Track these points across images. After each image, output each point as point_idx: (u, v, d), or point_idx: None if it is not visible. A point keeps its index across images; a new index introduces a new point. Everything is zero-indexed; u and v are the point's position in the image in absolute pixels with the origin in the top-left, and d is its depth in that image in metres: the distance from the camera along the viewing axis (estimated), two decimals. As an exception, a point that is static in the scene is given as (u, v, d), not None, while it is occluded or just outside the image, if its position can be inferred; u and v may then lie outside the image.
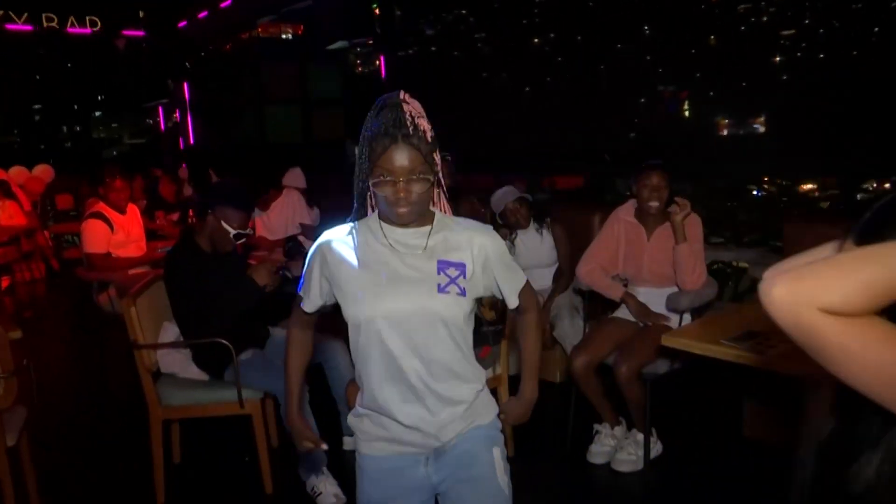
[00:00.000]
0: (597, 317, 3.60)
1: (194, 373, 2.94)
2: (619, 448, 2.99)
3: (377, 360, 1.55)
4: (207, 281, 2.81)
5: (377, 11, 6.19)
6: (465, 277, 1.55)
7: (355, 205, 1.62)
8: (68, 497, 3.08)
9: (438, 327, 1.54)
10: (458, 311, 1.55)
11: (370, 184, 1.49)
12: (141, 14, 9.45)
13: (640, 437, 2.96)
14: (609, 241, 3.11)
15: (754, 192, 5.18)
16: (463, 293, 1.55)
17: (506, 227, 3.66)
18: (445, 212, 1.63)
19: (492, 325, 2.74)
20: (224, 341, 2.70)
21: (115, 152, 15.30)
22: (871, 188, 4.27)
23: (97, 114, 15.35)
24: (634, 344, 2.89)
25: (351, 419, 1.68)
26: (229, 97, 11.44)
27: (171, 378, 2.93)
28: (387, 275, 1.53)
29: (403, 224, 1.53)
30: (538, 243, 3.67)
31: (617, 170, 5.64)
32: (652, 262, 3.01)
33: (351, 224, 1.61)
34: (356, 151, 1.56)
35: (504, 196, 3.63)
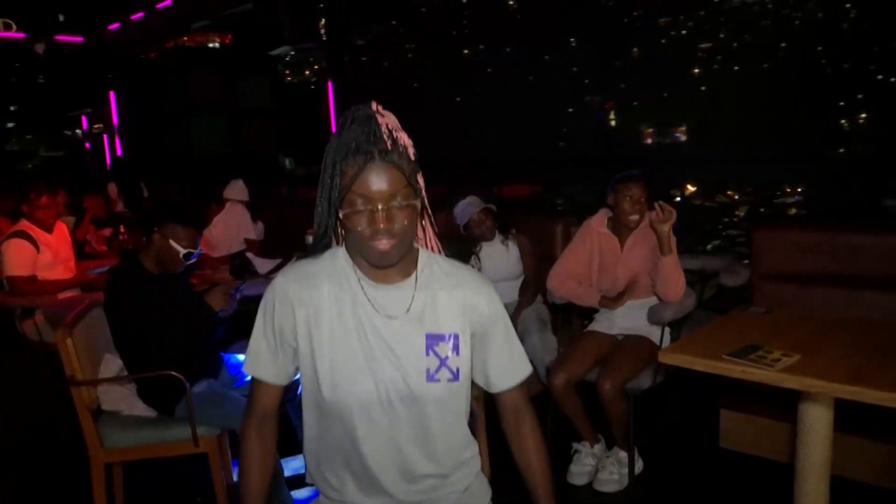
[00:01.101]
0: (567, 328, 3.50)
1: (140, 409, 2.64)
2: (600, 468, 2.87)
3: (341, 449, 1.30)
4: (155, 307, 2.55)
5: (322, 21, 6.01)
6: (457, 354, 1.28)
7: (316, 236, 1.30)
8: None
9: (424, 419, 1.29)
10: (449, 400, 1.30)
11: (340, 215, 1.20)
12: (61, 18, 8.88)
13: (622, 454, 2.85)
14: (581, 254, 3.00)
15: (677, 199, 5.27)
16: (455, 377, 1.28)
17: (470, 239, 3.50)
18: (433, 248, 1.35)
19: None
20: (176, 374, 2.43)
21: (29, 165, 14.44)
22: (784, 195, 4.43)
23: (10, 125, 14.44)
24: (617, 359, 2.77)
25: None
26: (155, 107, 10.97)
27: (114, 416, 2.63)
28: (365, 348, 1.25)
29: (384, 266, 1.23)
30: (504, 256, 3.52)
31: (567, 177, 5.61)
32: (626, 271, 2.91)
33: (314, 262, 1.30)
34: (323, 168, 1.24)
35: (468, 207, 3.47)
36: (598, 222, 3.00)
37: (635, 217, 2.82)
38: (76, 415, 2.55)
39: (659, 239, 2.67)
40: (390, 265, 1.23)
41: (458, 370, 1.28)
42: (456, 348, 1.28)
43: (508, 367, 1.38)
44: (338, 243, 1.31)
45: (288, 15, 5.80)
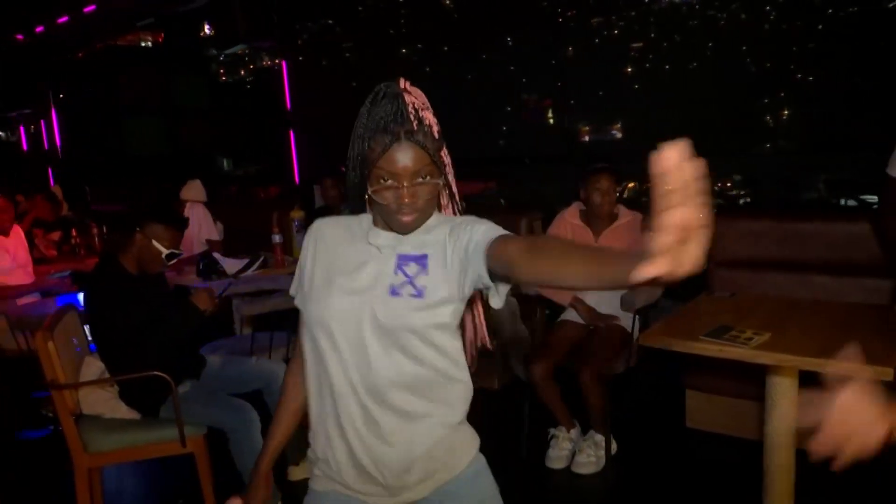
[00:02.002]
0: (535, 319, 3.61)
1: (123, 412, 2.61)
2: (577, 451, 2.99)
3: (317, 380, 1.34)
4: (136, 307, 2.53)
5: (274, 16, 5.96)
6: (426, 273, 1.29)
7: (350, 200, 1.37)
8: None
9: (390, 340, 1.29)
10: (413, 319, 1.27)
11: (369, 191, 1.27)
12: (-7, 15, 8.49)
13: (599, 437, 2.98)
14: (556, 244, 3.11)
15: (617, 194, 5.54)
16: (419, 294, 1.27)
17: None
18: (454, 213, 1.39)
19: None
20: (162, 374, 2.42)
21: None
22: (716, 188, 4.67)
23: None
24: (593, 347, 2.90)
25: (310, 453, 1.43)
26: (90, 108, 10.62)
27: (97, 420, 2.59)
28: (345, 275, 1.32)
29: (407, 231, 1.30)
30: (474, 250, 3.61)
31: (515, 173, 5.75)
32: (601, 263, 3.04)
33: (349, 217, 1.41)
34: (349, 154, 1.30)
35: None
36: (572, 214, 3.12)
37: (606, 207, 2.95)
38: (46, 422, 2.51)
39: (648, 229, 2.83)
40: (411, 231, 1.31)
41: (423, 288, 1.28)
42: (424, 268, 1.30)
43: (487, 232, 1.25)
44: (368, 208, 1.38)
45: (242, 12, 5.73)
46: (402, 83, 1.28)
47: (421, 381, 1.32)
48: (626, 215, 3.08)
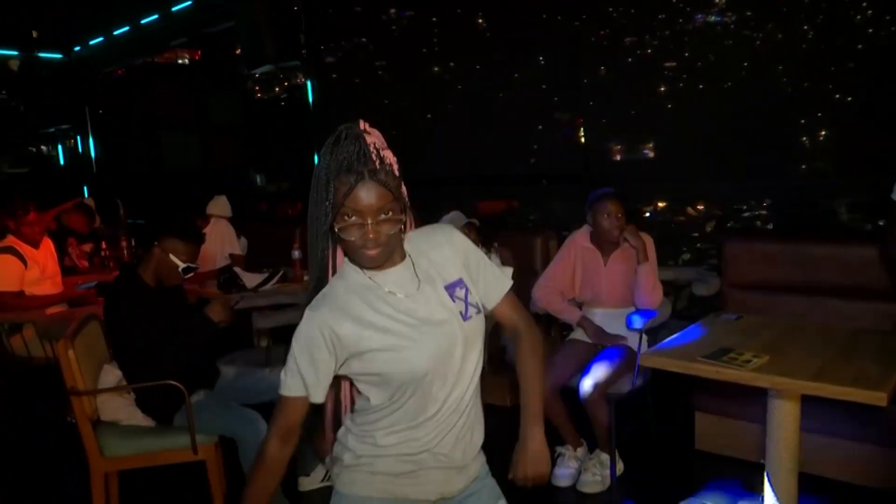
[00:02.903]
0: (547, 338, 3.64)
1: (139, 419, 2.71)
2: (583, 470, 3.00)
3: (424, 410, 1.43)
4: (154, 318, 2.62)
5: (302, 37, 6.11)
6: (469, 291, 1.47)
7: (317, 260, 1.43)
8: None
9: (473, 358, 1.47)
10: (481, 328, 1.49)
11: (335, 229, 1.34)
12: (35, 34, 8.81)
13: (605, 457, 2.99)
14: (566, 266, 3.16)
15: (646, 215, 5.46)
16: (479, 310, 1.48)
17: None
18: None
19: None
20: (177, 384, 2.51)
21: (-7, 182, 14.17)
22: (747, 210, 4.62)
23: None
24: (599, 366, 2.92)
25: (350, 447, 1.51)
26: (125, 124, 10.91)
27: (113, 426, 2.69)
28: (411, 327, 1.40)
29: (375, 267, 1.39)
30: (487, 268, 3.66)
31: (542, 193, 5.76)
32: (610, 285, 3.08)
33: (334, 285, 1.43)
34: (315, 181, 1.37)
35: (452, 222, 3.60)
36: (582, 237, 3.16)
37: (615, 232, 2.99)
38: (69, 427, 2.60)
39: (636, 249, 2.86)
40: (378, 266, 1.41)
41: (478, 304, 1.48)
42: (466, 288, 1.47)
43: (491, 283, 1.53)
44: (340, 259, 1.45)
45: (270, 33, 5.88)
46: (363, 125, 1.36)
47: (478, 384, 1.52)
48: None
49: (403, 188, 1.39)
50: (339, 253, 1.45)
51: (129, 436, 2.66)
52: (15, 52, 8.80)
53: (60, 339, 2.54)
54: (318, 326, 1.39)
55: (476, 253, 1.53)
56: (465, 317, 1.44)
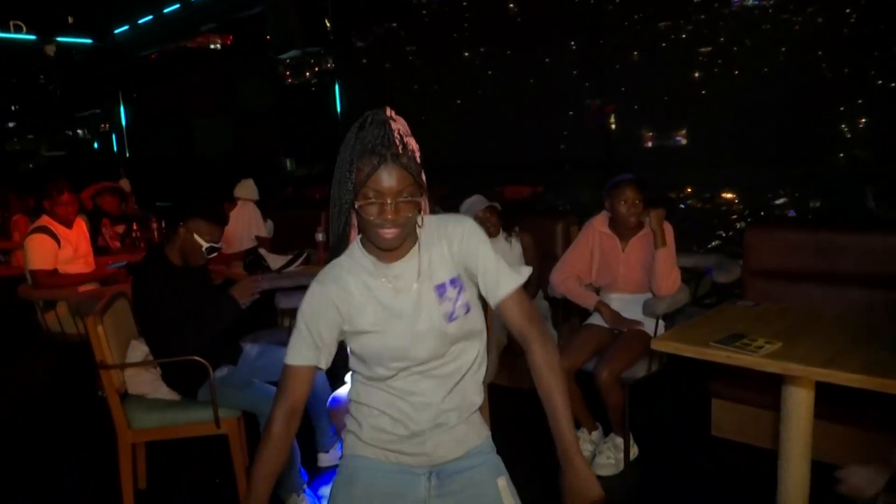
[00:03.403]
0: (567, 324, 3.66)
1: (165, 393, 2.81)
2: (597, 452, 3.04)
3: (392, 396, 1.54)
4: (179, 296, 2.71)
5: (328, 22, 6.17)
6: (462, 290, 1.50)
7: (335, 235, 1.50)
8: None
9: (454, 357, 1.53)
10: (472, 326, 1.52)
11: (355, 206, 1.40)
12: (70, 20, 9.01)
13: (619, 440, 3.01)
14: (584, 252, 3.17)
15: (681, 206, 5.39)
16: (468, 309, 1.51)
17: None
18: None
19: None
20: (201, 359, 2.59)
21: (31, 165, 14.50)
22: (781, 198, 4.53)
23: (10, 125, 14.52)
24: (614, 350, 2.94)
25: (352, 408, 1.62)
26: (158, 108, 11.08)
27: (140, 399, 2.79)
28: (401, 318, 1.48)
29: (388, 249, 1.45)
30: (507, 252, 3.69)
31: (567, 179, 5.73)
32: (627, 271, 3.09)
33: (337, 264, 1.52)
34: (339, 162, 1.44)
35: (473, 205, 3.64)
36: (600, 223, 3.17)
37: (633, 219, 3.00)
38: (98, 401, 2.71)
39: (653, 233, 2.87)
40: (394, 248, 1.46)
41: (467, 303, 1.51)
42: (460, 288, 1.51)
43: (498, 279, 1.52)
44: (349, 239, 1.52)
45: (297, 18, 5.93)
46: (388, 111, 1.43)
47: (465, 385, 1.59)
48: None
49: (423, 176, 1.44)
50: (353, 233, 1.51)
51: (155, 409, 2.76)
52: (51, 38, 9.00)
53: (90, 316, 2.64)
54: (322, 299, 1.49)
55: (485, 247, 1.51)
56: (450, 317, 1.48)
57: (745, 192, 4.72)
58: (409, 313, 1.49)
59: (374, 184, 1.36)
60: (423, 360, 1.50)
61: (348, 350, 1.57)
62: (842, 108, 3.99)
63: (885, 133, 3.86)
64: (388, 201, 1.37)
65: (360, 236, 1.51)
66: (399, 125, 1.40)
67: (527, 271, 1.55)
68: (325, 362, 1.51)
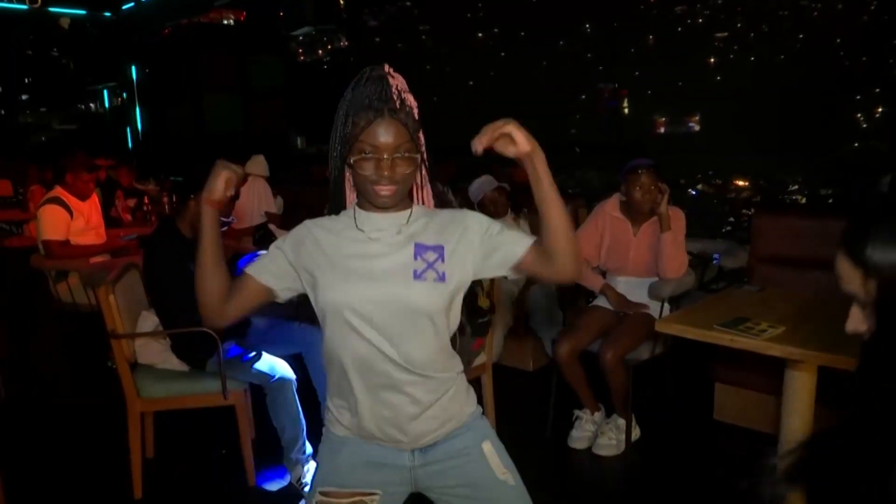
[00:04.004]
0: (573, 305, 3.68)
1: (174, 363, 2.85)
2: (599, 433, 3.06)
3: (346, 356, 1.43)
4: (189, 268, 2.72)
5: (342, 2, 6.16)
6: (443, 261, 1.42)
7: (333, 196, 1.48)
8: (38, 496, 2.94)
9: (416, 318, 1.41)
10: (436, 298, 1.41)
11: (350, 161, 1.37)
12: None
13: (621, 422, 3.04)
14: (593, 234, 3.18)
15: (692, 192, 5.35)
16: (441, 278, 1.41)
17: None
18: (425, 202, 1.51)
19: (485, 317, 2.76)
20: (210, 331, 2.62)
21: (43, 138, 14.60)
22: (792, 185, 4.50)
23: (24, 97, 14.59)
24: (618, 332, 2.96)
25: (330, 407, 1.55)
26: (170, 83, 11.10)
27: (149, 369, 2.84)
28: (359, 262, 1.42)
29: (383, 207, 1.41)
30: (515, 233, 3.71)
31: (577, 162, 5.73)
32: (637, 255, 3.10)
33: (334, 218, 1.49)
34: (336, 118, 1.40)
35: (482, 185, 3.65)
36: (612, 206, 3.17)
37: (647, 206, 2.99)
38: (108, 371, 2.75)
39: (659, 217, 2.87)
40: (389, 206, 1.41)
41: (444, 273, 1.41)
42: (441, 256, 1.42)
43: (511, 242, 1.44)
44: (346, 201, 1.49)
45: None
46: (386, 67, 1.39)
47: (441, 350, 1.47)
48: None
49: (421, 135, 1.41)
50: (352, 195, 1.48)
51: (164, 379, 2.80)
52: (66, 10, 9.02)
53: (102, 286, 2.67)
54: (297, 230, 1.49)
55: (494, 226, 1.46)
56: (416, 275, 1.41)
57: (756, 179, 4.70)
58: (373, 256, 1.43)
59: (370, 138, 1.33)
60: (380, 321, 1.40)
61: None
62: (858, 97, 3.95)
63: None
64: (385, 157, 1.34)
65: (357, 200, 1.47)
66: (397, 81, 1.37)
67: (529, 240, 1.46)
68: (281, 290, 1.49)
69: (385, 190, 1.37)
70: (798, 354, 2.04)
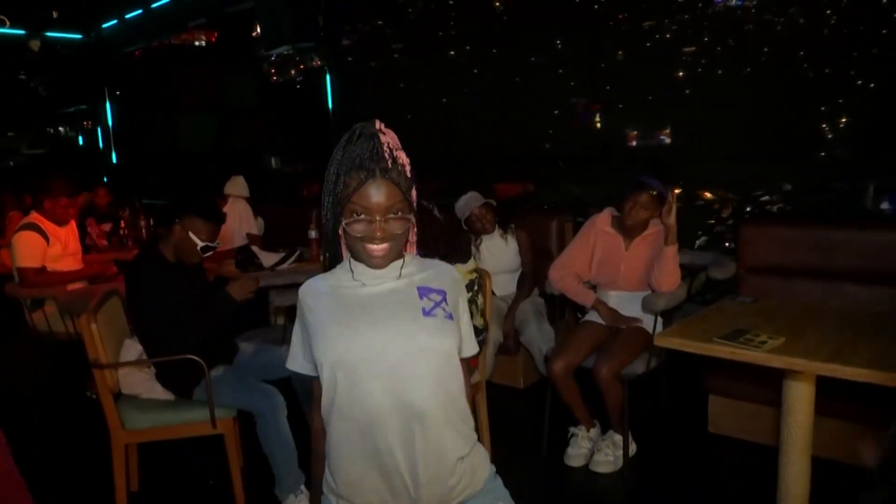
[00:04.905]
0: (562, 320, 3.65)
1: (159, 392, 2.76)
2: (596, 450, 3.02)
3: (351, 420, 1.35)
4: (174, 293, 2.66)
5: (320, 18, 6.13)
6: (447, 303, 1.41)
7: (326, 257, 1.47)
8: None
9: (429, 360, 1.35)
10: (448, 337, 1.38)
11: (343, 223, 1.33)
12: (55, 14, 8.87)
13: (617, 438, 3.01)
14: (584, 249, 3.16)
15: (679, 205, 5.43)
16: (450, 317, 1.39)
17: (471, 232, 3.65)
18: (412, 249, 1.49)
19: (480, 335, 2.72)
20: (197, 358, 2.55)
21: (11, 163, 14.30)
22: (764, 195, 4.60)
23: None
24: (613, 347, 2.94)
25: (328, 484, 1.47)
26: (143, 104, 10.97)
27: (134, 399, 2.75)
28: (361, 311, 1.38)
29: (377, 267, 1.38)
30: (503, 249, 3.68)
31: (557, 176, 5.73)
32: (629, 270, 3.08)
33: (327, 275, 1.47)
34: (327, 178, 1.37)
35: (469, 202, 3.62)
36: (604, 221, 3.16)
37: (640, 226, 3.02)
38: (88, 401, 2.65)
39: (666, 229, 2.87)
40: (381, 267, 1.39)
41: (451, 314, 1.40)
42: (444, 299, 1.42)
43: (466, 338, 1.49)
44: (344, 252, 1.45)
45: (288, 13, 5.89)
46: (378, 124, 1.36)
47: (450, 399, 1.40)
48: (656, 224, 3.10)
49: (414, 192, 1.37)
50: (345, 254, 1.45)
51: (150, 409, 2.71)
52: (35, 33, 8.87)
53: (83, 314, 2.58)
54: (301, 301, 1.45)
55: (464, 304, 1.50)
56: (426, 312, 1.38)
57: (727, 189, 4.75)
58: (376, 302, 1.39)
59: (361, 200, 1.30)
60: (391, 366, 1.34)
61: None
62: (823, 108, 4.03)
63: (864, 132, 3.91)
64: (377, 218, 1.31)
65: (349, 256, 1.43)
66: (389, 138, 1.34)
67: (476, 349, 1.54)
68: (313, 370, 1.45)
69: (378, 251, 1.35)
70: (802, 366, 2.02)
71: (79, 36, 9.68)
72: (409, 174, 1.34)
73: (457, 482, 1.42)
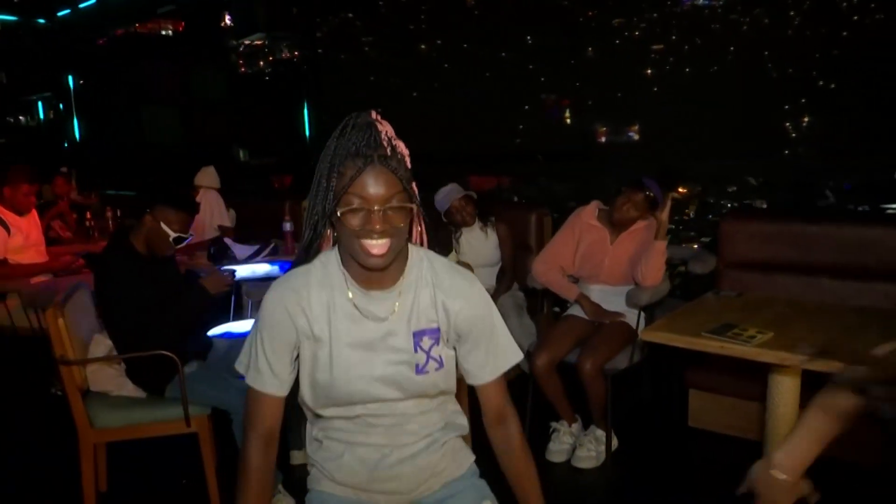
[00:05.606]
0: (541, 314, 3.61)
1: (130, 390, 2.65)
2: (578, 445, 2.99)
3: (348, 446, 1.39)
4: (146, 286, 2.56)
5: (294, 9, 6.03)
6: (438, 345, 1.35)
7: (303, 247, 1.34)
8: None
9: (422, 403, 1.39)
10: (439, 383, 1.37)
11: (337, 213, 1.21)
12: (15, -1, 8.59)
13: (599, 433, 2.98)
14: (568, 242, 3.13)
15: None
16: (441, 365, 1.35)
17: (451, 225, 3.60)
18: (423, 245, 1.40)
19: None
20: (170, 354, 2.45)
21: (-31, 151, 13.86)
22: (733, 191, 4.69)
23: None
24: (596, 341, 2.91)
25: (310, 446, 1.47)
26: (107, 94, 10.70)
27: (103, 397, 2.63)
28: (359, 353, 1.32)
29: (374, 269, 1.25)
30: (483, 242, 3.63)
31: (534, 171, 5.75)
32: (613, 264, 3.05)
33: (305, 271, 1.33)
34: (318, 171, 1.26)
35: (449, 194, 3.56)
36: (589, 215, 3.13)
37: (628, 223, 3.01)
38: (54, 399, 2.53)
39: (659, 224, 2.85)
40: (380, 269, 1.26)
41: (441, 358, 1.35)
42: (436, 340, 1.35)
43: (485, 362, 1.40)
44: (325, 247, 1.35)
45: (263, 2, 5.78)
46: (374, 114, 1.27)
47: (446, 416, 1.47)
48: (644, 219, 3.08)
49: (414, 186, 1.27)
50: (326, 245, 1.35)
51: (120, 407, 2.60)
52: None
53: (49, 308, 2.47)
54: (276, 298, 1.33)
55: (487, 324, 1.39)
56: (419, 370, 1.33)
57: (693, 185, 4.81)
58: (372, 348, 1.33)
59: (358, 189, 1.18)
60: (378, 399, 1.35)
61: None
62: (786, 107, 4.10)
63: (826, 132, 3.99)
64: (375, 209, 1.18)
65: (335, 247, 1.33)
66: (386, 128, 1.24)
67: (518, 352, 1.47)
68: (286, 389, 1.36)
69: (376, 248, 1.21)
70: (791, 360, 2.01)
71: (42, 20, 9.38)
72: (408, 165, 1.25)
73: (439, 471, 1.47)
